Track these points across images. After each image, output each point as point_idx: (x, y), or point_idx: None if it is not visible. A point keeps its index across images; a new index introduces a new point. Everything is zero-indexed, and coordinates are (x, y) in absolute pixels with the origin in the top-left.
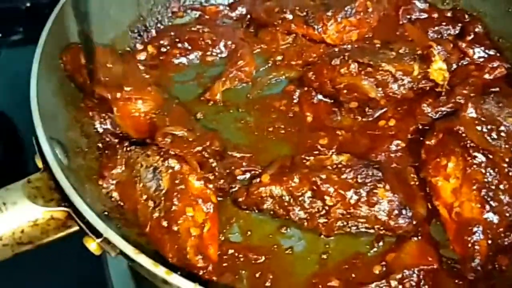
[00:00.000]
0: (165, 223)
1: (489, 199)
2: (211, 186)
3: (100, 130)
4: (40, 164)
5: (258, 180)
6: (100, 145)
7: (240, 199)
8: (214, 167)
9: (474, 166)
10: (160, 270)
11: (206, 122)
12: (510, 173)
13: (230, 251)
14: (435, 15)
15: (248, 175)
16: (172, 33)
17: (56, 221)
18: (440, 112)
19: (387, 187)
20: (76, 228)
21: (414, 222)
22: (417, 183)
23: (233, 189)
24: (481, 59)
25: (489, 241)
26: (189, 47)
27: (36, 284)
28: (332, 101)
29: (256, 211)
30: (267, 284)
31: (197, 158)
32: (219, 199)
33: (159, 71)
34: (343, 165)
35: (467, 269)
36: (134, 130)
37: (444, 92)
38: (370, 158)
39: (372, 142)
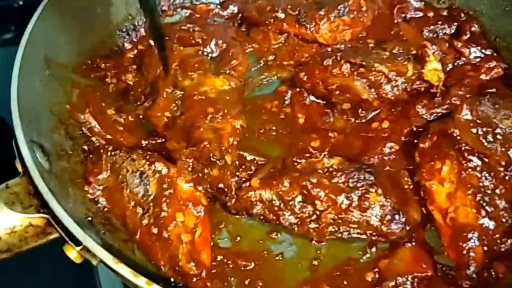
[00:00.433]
0: (155, 230)
1: (484, 204)
2: (200, 188)
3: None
4: (19, 168)
5: (247, 184)
6: (85, 147)
7: (229, 204)
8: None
9: (469, 170)
10: (140, 281)
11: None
12: (507, 177)
13: (219, 257)
14: (431, 14)
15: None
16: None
17: (35, 228)
18: (435, 114)
19: (380, 191)
20: (56, 235)
21: (408, 228)
22: (411, 187)
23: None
24: (477, 59)
25: (485, 248)
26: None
27: None
28: (324, 102)
29: (246, 215)
30: None
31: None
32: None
33: None
34: (334, 169)
35: (462, 277)
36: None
37: (439, 93)
38: (363, 161)
39: (365, 145)
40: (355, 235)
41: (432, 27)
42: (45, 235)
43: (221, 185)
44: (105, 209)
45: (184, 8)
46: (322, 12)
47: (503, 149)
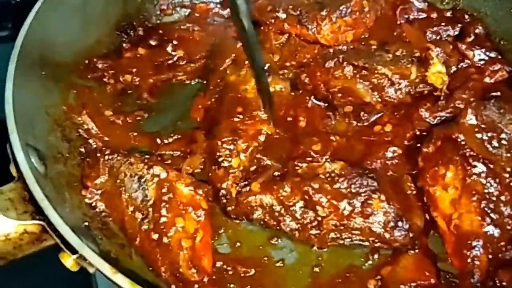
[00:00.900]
0: (155, 236)
1: (489, 211)
2: (200, 191)
3: None
4: (14, 173)
5: (247, 188)
6: (82, 150)
7: (229, 208)
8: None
9: (474, 176)
10: None
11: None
12: None
13: (218, 264)
14: (434, 15)
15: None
16: (161, 32)
17: (30, 235)
18: (438, 118)
19: (382, 197)
20: (52, 242)
21: (411, 235)
22: (414, 192)
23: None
24: (482, 62)
25: (490, 256)
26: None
27: None
28: (326, 105)
29: (246, 220)
30: None
31: None
32: None
33: None
34: (336, 174)
35: (466, 285)
36: None
37: (443, 97)
38: (365, 166)
39: (367, 148)
40: (357, 242)
41: (435, 28)
42: (40, 242)
43: (219, 186)
44: (103, 213)
45: (183, 7)
46: (324, 13)
47: (508, 155)
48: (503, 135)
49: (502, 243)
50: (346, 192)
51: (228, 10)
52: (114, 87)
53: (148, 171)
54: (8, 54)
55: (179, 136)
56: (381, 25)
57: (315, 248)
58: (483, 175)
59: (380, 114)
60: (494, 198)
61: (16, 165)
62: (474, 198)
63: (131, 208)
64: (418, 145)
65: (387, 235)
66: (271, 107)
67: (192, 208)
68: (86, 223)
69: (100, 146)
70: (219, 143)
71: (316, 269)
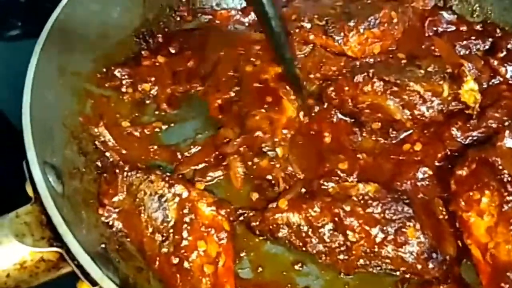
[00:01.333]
0: (175, 260)
1: None
2: (223, 212)
3: None
4: (30, 193)
5: (274, 205)
6: (98, 163)
7: (254, 224)
8: None
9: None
10: None
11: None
12: None
13: None
14: (464, 28)
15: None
16: (181, 39)
17: (46, 263)
18: (470, 138)
19: (418, 226)
20: (69, 269)
21: (445, 267)
22: (446, 217)
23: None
24: None
25: None
26: None
27: None
28: (352, 120)
29: (271, 238)
30: None
31: None
32: None
33: None
34: (370, 197)
35: None
36: None
37: (475, 115)
38: (395, 187)
39: (396, 168)
40: (387, 271)
41: (465, 42)
42: (57, 269)
43: (269, 177)
44: (120, 233)
45: (204, 14)
46: (351, 24)
47: None
48: None
49: None
50: (379, 217)
51: (249, 17)
52: (132, 96)
53: (169, 190)
54: (18, 51)
55: (200, 148)
56: (409, 37)
57: (342, 275)
58: None
59: (409, 132)
60: None
61: (33, 184)
62: None
63: (150, 229)
64: (450, 166)
65: (419, 266)
66: (301, 94)
67: (214, 230)
68: (103, 245)
69: (117, 159)
70: (261, 134)
71: None
